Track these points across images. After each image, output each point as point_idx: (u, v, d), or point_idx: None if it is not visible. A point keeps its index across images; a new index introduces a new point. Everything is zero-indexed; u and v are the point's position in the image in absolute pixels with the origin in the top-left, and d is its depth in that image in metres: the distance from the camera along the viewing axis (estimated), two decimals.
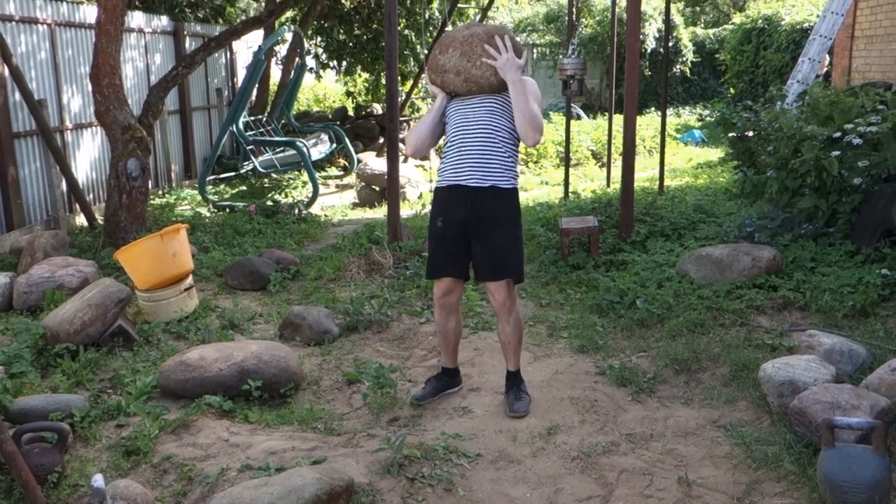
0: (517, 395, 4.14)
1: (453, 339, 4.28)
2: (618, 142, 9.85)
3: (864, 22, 10.47)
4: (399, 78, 9.67)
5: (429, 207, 4.28)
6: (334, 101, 18.59)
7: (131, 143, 7.16)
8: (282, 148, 11.42)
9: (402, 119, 13.34)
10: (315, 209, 10.09)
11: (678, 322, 5.02)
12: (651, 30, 20.29)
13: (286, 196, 10.73)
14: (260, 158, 11.38)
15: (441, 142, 4.18)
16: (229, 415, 4.08)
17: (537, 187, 12.08)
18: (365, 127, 14.67)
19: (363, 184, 11.26)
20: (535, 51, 23.57)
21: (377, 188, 10.91)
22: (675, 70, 20.70)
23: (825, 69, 11.52)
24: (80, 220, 8.66)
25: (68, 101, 8.85)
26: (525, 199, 10.24)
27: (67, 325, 4.69)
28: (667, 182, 10.22)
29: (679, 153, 14.60)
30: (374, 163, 11.30)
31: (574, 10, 10.04)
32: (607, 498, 3.31)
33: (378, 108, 15.05)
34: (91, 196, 9.20)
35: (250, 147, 11.00)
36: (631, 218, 6.75)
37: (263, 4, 14.55)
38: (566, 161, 10.15)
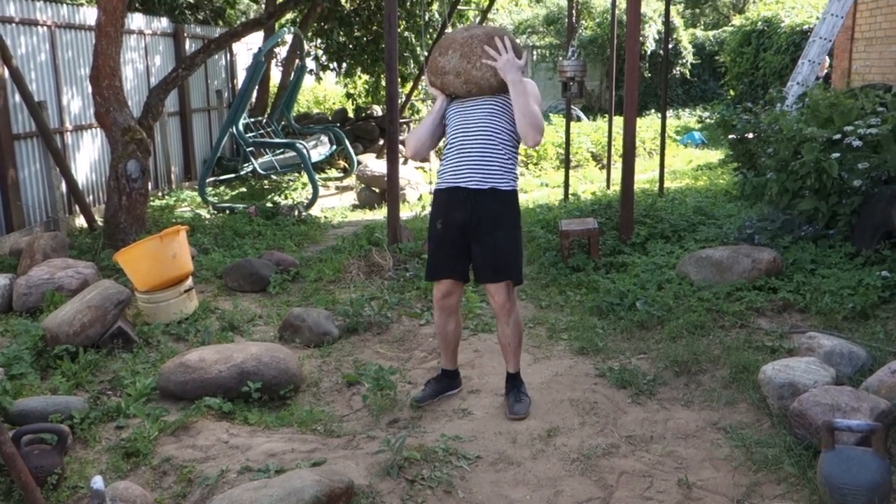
0: (517, 397, 4.14)
1: (453, 340, 4.27)
2: (618, 144, 9.86)
3: (863, 24, 10.47)
4: (399, 80, 9.67)
5: (428, 209, 4.28)
6: (334, 103, 18.59)
7: (131, 144, 7.16)
8: (282, 150, 11.42)
9: (401, 121, 13.34)
10: (315, 211, 10.09)
11: (678, 324, 5.02)
12: (651, 32, 20.31)
13: (286, 198, 10.73)
14: (260, 160, 11.39)
15: (441, 143, 4.18)
16: (229, 416, 4.08)
17: (537, 189, 12.08)
18: (365, 129, 14.67)
19: (363, 185, 11.26)
20: (534, 53, 23.58)
21: (377, 190, 10.91)
22: (674, 72, 20.72)
23: (825, 71, 11.53)
24: (80, 221, 8.66)
25: (68, 102, 8.85)
26: (525, 200, 10.24)
27: (67, 327, 4.69)
28: (667, 184, 10.23)
29: (679, 155, 14.61)
30: (374, 164, 11.30)
31: (574, 12, 10.04)
32: (607, 500, 3.31)
33: (378, 110, 15.06)
34: (91, 198, 9.20)
35: (250, 149, 11.01)
36: (631, 220, 6.75)
37: (263, 6, 14.55)
38: (566, 163, 10.15)
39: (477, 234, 3.93)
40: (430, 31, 14.30)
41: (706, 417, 3.99)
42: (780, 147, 6.17)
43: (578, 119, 17.22)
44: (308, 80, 16.66)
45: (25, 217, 7.93)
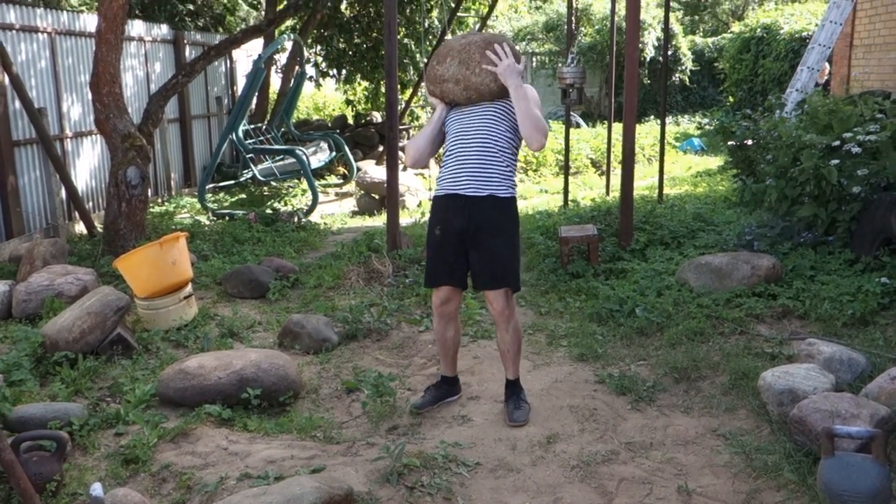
0: (516, 404, 4.14)
1: (452, 347, 4.27)
2: (617, 150, 9.87)
3: (862, 31, 10.49)
4: (398, 86, 9.70)
5: (428, 216, 4.28)
6: (334, 110, 18.63)
7: (131, 151, 7.17)
8: (281, 156, 11.43)
9: (401, 127, 13.36)
10: (314, 217, 10.09)
11: (678, 330, 5.02)
12: (650, 38, 20.34)
13: (285, 204, 10.74)
14: (259, 167, 11.40)
15: (441, 150, 4.19)
16: (228, 423, 4.08)
17: (536, 195, 12.09)
18: (364, 135, 14.69)
19: (362, 192, 11.27)
20: (534, 59, 23.62)
21: (376, 196, 10.92)
22: (674, 79, 20.75)
23: (825, 77, 11.56)
24: (80, 228, 8.67)
25: (68, 109, 8.87)
26: (524, 207, 10.25)
27: (66, 334, 4.69)
28: (666, 190, 10.23)
29: (678, 161, 14.62)
30: (374, 171, 11.31)
31: (573, 18, 10.06)
32: None
33: (377, 117, 15.08)
34: (90, 204, 9.21)
35: (250, 155, 11.02)
36: (630, 226, 6.75)
37: (263, 13, 14.59)
38: (565, 169, 10.16)
39: (475, 241, 3.93)
40: (430, 37, 14.34)
41: (706, 424, 3.99)
42: (780, 154, 6.18)
43: (578, 125, 17.25)
44: (308, 87, 16.69)
45: (25, 223, 7.93)
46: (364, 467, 3.52)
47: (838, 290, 5.14)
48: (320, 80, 16.11)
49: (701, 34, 27.07)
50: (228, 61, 13.70)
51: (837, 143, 5.78)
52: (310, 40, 14.39)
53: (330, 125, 15.24)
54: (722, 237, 6.71)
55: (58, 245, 6.75)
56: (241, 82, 13.68)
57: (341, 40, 14.63)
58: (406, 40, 14.23)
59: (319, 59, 15.31)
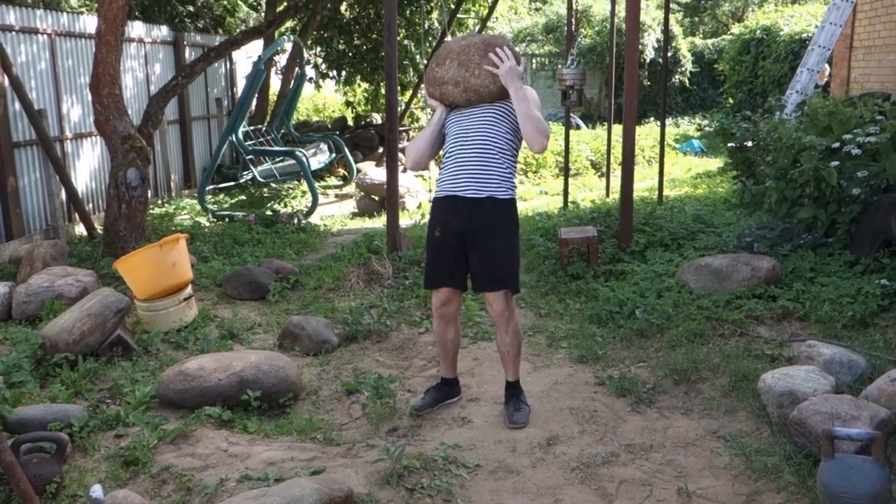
0: (516, 406, 4.14)
1: (452, 349, 4.27)
2: (617, 152, 9.87)
3: (862, 33, 10.50)
4: (398, 88, 9.69)
5: (427, 217, 4.29)
6: (334, 111, 18.63)
7: (131, 152, 7.17)
8: (281, 158, 11.43)
9: (401, 129, 13.37)
10: (314, 219, 10.09)
11: (677, 332, 5.02)
12: (650, 40, 20.35)
13: (285, 206, 10.74)
14: (259, 168, 11.40)
15: (441, 152, 4.19)
16: (228, 425, 4.08)
17: (536, 197, 12.09)
18: (364, 137, 14.69)
19: (362, 193, 11.27)
20: (534, 61, 23.63)
21: (376, 198, 10.92)
22: (673, 80, 20.76)
23: (825, 79, 11.56)
24: (80, 229, 8.67)
25: (68, 110, 8.87)
26: (524, 208, 10.25)
27: (66, 335, 4.69)
28: (666, 192, 10.23)
29: (678, 163, 14.62)
30: (374, 172, 11.31)
31: (573, 20, 10.07)
32: None
33: (377, 118, 15.09)
34: (90, 206, 9.21)
35: (250, 157, 11.02)
36: (630, 228, 6.75)
37: (263, 14, 14.60)
38: (565, 171, 10.16)
39: (475, 243, 3.93)
40: (430, 39, 14.34)
41: (706, 426, 3.99)
42: (780, 155, 6.18)
43: (578, 127, 17.25)
44: (308, 89, 16.68)
45: (25, 225, 7.93)
46: (364, 469, 3.52)
47: (838, 291, 5.14)
48: (320, 81, 16.11)
49: (701, 36, 27.08)
50: (228, 63, 13.71)
51: (837, 144, 5.79)
52: (310, 42, 14.39)
53: (330, 127, 15.25)
54: (722, 239, 6.71)
55: (58, 247, 6.75)
56: (240, 84, 13.68)
57: (341, 42, 14.64)
58: (406, 42, 14.24)
59: (319, 60, 15.32)
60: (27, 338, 4.81)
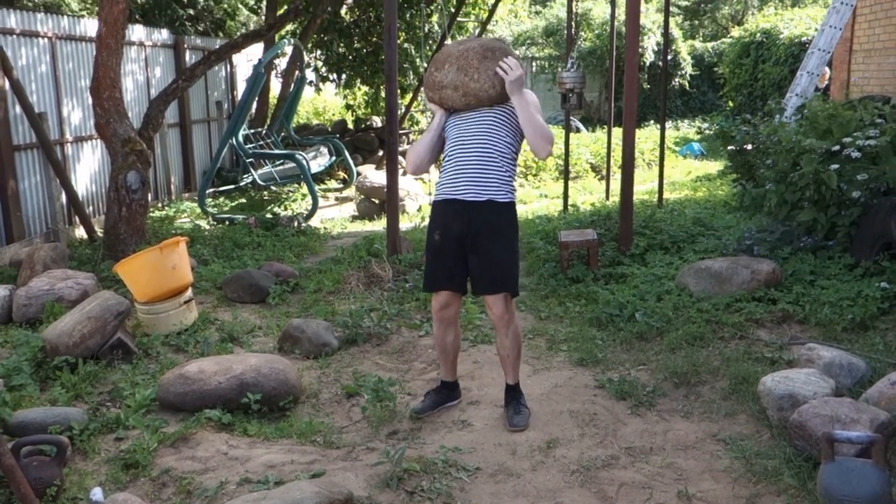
0: (516, 409, 4.14)
1: (452, 352, 4.27)
2: (617, 155, 9.88)
3: (862, 36, 10.51)
4: (398, 91, 9.70)
5: (427, 220, 4.29)
6: (334, 114, 18.63)
7: (131, 155, 7.17)
8: (281, 161, 11.44)
9: (401, 132, 13.38)
10: (314, 222, 10.10)
11: (677, 335, 5.02)
12: (650, 43, 20.38)
13: (285, 209, 10.74)
14: (259, 171, 11.41)
15: (441, 156, 4.20)
16: (228, 428, 4.08)
17: (536, 200, 12.10)
18: (364, 140, 14.71)
19: (362, 196, 11.28)
20: (534, 64, 23.65)
21: (376, 201, 10.93)
22: (673, 83, 20.78)
23: (826, 82, 11.57)
24: (80, 232, 8.67)
25: (68, 113, 8.88)
26: (524, 211, 10.26)
27: (67, 338, 4.69)
28: (666, 195, 10.24)
29: (678, 166, 14.64)
30: (374, 175, 11.32)
31: (573, 23, 10.08)
32: None
33: (377, 121, 15.10)
34: (91, 209, 9.21)
35: (250, 160, 11.03)
36: (630, 231, 6.76)
37: (263, 18, 14.61)
38: (565, 174, 10.17)
39: (474, 246, 3.93)
40: (430, 42, 14.35)
41: (706, 429, 3.99)
42: (779, 158, 6.18)
43: (578, 130, 17.26)
44: (308, 92, 16.70)
45: (25, 228, 7.94)
46: (364, 472, 3.52)
47: (838, 294, 5.14)
48: (320, 84, 16.12)
49: (701, 39, 27.12)
50: (228, 66, 13.72)
51: (837, 147, 5.79)
52: (310, 45, 14.41)
53: (330, 130, 15.25)
54: (722, 242, 6.72)
55: (58, 249, 6.75)
56: (241, 87, 13.70)
57: (341, 45, 14.65)
58: (406, 45, 14.25)
59: (319, 63, 15.32)
60: (27, 341, 4.82)
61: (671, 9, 11.62)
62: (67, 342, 4.68)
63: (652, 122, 19.73)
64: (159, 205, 10.75)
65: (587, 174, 13.87)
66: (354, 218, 11.05)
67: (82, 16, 11.24)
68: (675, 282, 5.86)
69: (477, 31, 14.58)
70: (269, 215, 9.63)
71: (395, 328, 5.62)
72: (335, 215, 11.21)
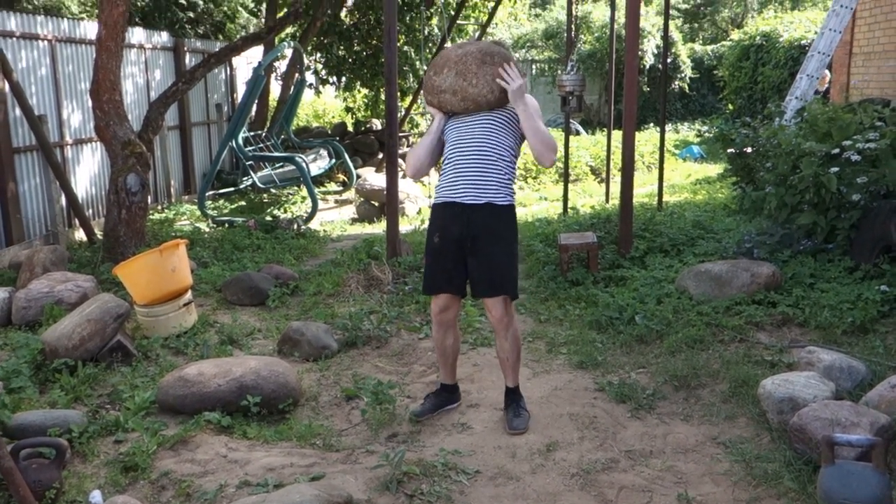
0: (516, 412, 4.13)
1: (451, 355, 4.27)
2: (616, 157, 9.88)
3: (861, 39, 10.53)
4: (398, 94, 9.71)
5: (427, 223, 4.30)
6: (334, 117, 18.65)
7: (131, 158, 7.18)
8: (281, 163, 11.44)
9: (401, 135, 13.39)
10: (314, 224, 10.10)
11: (677, 338, 5.02)
12: (650, 46, 20.39)
13: (285, 211, 10.75)
14: (259, 174, 11.41)
15: (441, 159, 4.20)
16: (228, 431, 4.07)
17: (536, 203, 12.10)
18: (364, 142, 14.72)
19: (362, 199, 11.28)
20: (533, 67, 23.67)
21: (376, 203, 10.93)
22: (673, 86, 20.81)
23: (826, 85, 11.58)
24: (80, 235, 8.67)
25: (68, 116, 8.88)
26: (524, 214, 10.26)
27: (66, 341, 4.69)
28: (665, 198, 10.24)
29: (678, 169, 14.64)
30: (373, 178, 11.33)
31: (573, 26, 10.09)
32: None
33: (377, 124, 15.10)
34: (90, 211, 9.21)
35: (249, 162, 11.03)
36: (630, 234, 6.75)
37: (263, 21, 14.62)
38: (565, 177, 10.17)
39: (473, 249, 3.93)
40: (430, 45, 14.37)
41: (706, 432, 3.99)
42: (779, 161, 6.18)
43: (577, 133, 17.27)
44: (307, 94, 16.71)
45: (25, 230, 7.94)
46: (363, 475, 3.51)
47: (838, 297, 5.14)
48: (320, 87, 16.13)
49: (700, 42, 27.16)
50: (228, 69, 13.72)
51: (837, 150, 5.79)
52: (310, 48, 14.42)
53: (329, 132, 15.26)
54: (721, 245, 6.72)
55: (58, 252, 6.75)
56: (241, 90, 13.70)
57: (341, 48, 14.66)
58: (406, 48, 14.26)
59: (319, 66, 15.34)
60: (27, 343, 4.82)
61: (671, 12, 11.63)
62: (67, 344, 4.67)
63: (652, 124, 19.73)
64: (159, 207, 10.75)
65: (587, 177, 13.88)
66: (354, 220, 11.05)
67: (82, 18, 11.25)
68: (675, 285, 5.85)
69: (477, 33, 14.59)
70: (268, 218, 9.63)
71: (394, 331, 5.62)
72: (335, 218, 11.21)
